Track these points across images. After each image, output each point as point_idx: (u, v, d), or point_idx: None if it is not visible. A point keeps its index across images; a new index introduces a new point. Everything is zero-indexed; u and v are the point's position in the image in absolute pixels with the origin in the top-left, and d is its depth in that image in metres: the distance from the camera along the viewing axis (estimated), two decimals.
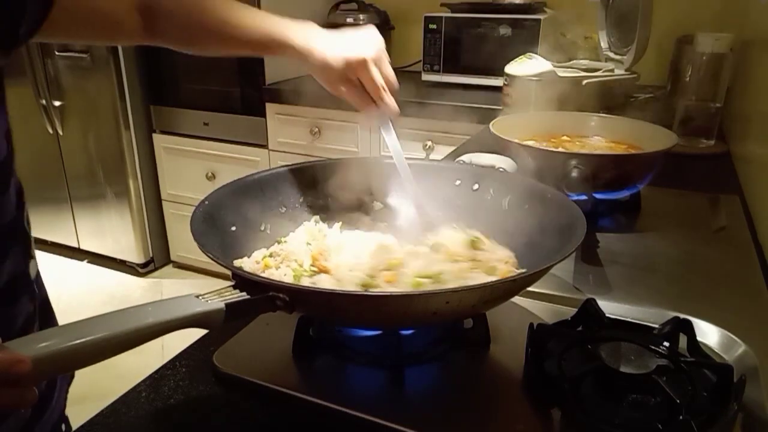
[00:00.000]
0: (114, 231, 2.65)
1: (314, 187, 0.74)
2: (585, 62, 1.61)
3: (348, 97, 0.69)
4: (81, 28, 0.67)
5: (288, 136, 2.23)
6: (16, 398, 0.34)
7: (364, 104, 0.69)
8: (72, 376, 0.69)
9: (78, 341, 0.36)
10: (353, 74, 0.67)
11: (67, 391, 0.67)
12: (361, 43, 0.67)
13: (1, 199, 0.52)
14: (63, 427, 0.65)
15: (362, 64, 0.66)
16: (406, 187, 0.70)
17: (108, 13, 0.67)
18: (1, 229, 0.52)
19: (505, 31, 1.94)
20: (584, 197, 0.89)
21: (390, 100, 0.69)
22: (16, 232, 0.55)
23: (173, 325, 0.41)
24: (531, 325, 0.56)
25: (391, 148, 0.70)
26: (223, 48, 0.72)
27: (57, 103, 2.50)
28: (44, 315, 0.61)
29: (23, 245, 0.55)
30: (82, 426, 0.51)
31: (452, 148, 1.36)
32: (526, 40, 1.89)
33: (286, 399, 0.53)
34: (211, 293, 0.45)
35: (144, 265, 2.69)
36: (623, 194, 0.98)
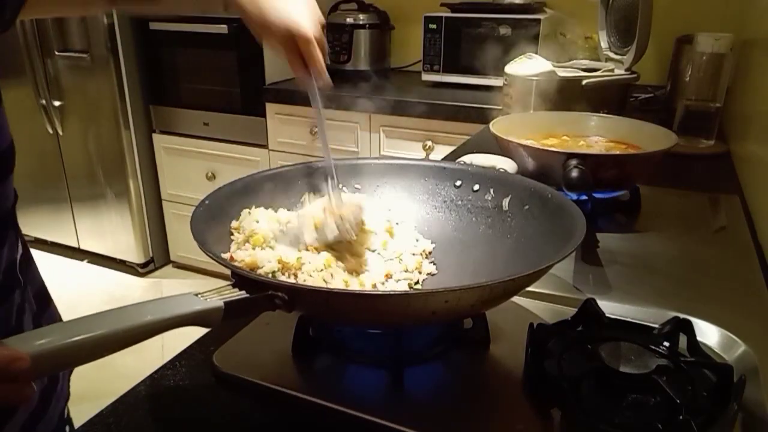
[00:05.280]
0: (114, 231, 2.65)
1: (315, 187, 0.74)
2: (585, 62, 1.61)
3: (286, 59, 0.69)
4: (54, 5, 0.74)
5: (288, 136, 2.23)
6: (14, 394, 0.34)
7: (300, 71, 0.69)
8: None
9: (77, 338, 0.36)
10: (294, 44, 0.67)
11: (69, 380, 0.67)
12: (304, 15, 0.67)
13: (3, 185, 0.52)
14: (67, 429, 0.65)
15: (306, 41, 0.66)
16: (324, 155, 0.72)
17: None
18: (2, 217, 0.52)
19: (505, 31, 1.94)
20: (584, 197, 0.90)
21: (325, 73, 0.70)
22: (14, 219, 0.55)
23: (172, 323, 0.41)
24: (531, 325, 0.56)
25: (319, 116, 0.72)
26: (172, 5, 0.76)
27: (57, 103, 2.51)
28: (41, 303, 0.61)
29: (16, 233, 0.55)
30: (82, 426, 0.51)
31: (452, 148, 1.36)
32: (526, 40, 1.89)
33: (286, 399, 0.53)
34: (211, 292, 0.45)
35: (144, 265, 2.70)
36: (623, 192, 0.98)
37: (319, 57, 0.68)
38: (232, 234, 0.65)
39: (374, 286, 0.62)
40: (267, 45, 0.69)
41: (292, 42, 0.67)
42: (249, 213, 0.66)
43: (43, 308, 0.62)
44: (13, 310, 0.53)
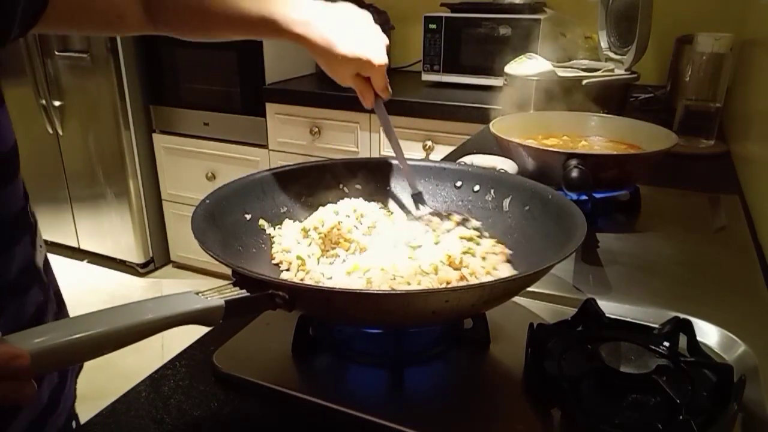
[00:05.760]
0: (114, 231, 2.65)
1: (315, 187, 0.74)
2: (585, 62, 1.61)
3: (355, 88, 0.71)
4: (79, 22, 0.67)
5: (288, 136, 2.23)
6: (14, 392, 0.34)
7: (369, 97, 0.71)
8: (80, 367, 0.69)
9: (77, 336, 0.36)
10: (364, 72, 0.68)
11: (75, 382, 0.67)
12: (372, 43, 0.67)
13: (10, 187, 0.52)
14: (73, 424, 0.65)
15: (376, 68, 0.68)
16: (401, 164, 0.74)
17: (108, 6, 0.67)
18: (11, 218, 0.52)
19: (505, 31, 1.94)
20: (584, 197, 0.90)
21: (389, 89, 0.72)
22: (25, 221, 0.55)
23: (172, 322, 0.41)
24: (531, 325, 0.56)
25: (385, 126, 0.74)
26: (226, 33, 0.72)
27: (57, 103, 2.51)
28: (59, 304, 0.62)
29: (30, 235, 0.55)
30: (82, 426, 0.51)
31: (452, 148, 1.36)
32: (526, 40, 1.89)
33: (286, 399, 0.53)
34: (211, 290, 0.45)
35: (144, 265, 2.70)
36: (623, 192, 0.98)
37: (386, 78, 0.70)
38: (273, 258, 0.66)
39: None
40: (337, 79, 0.70)
41: (360, 74, 0.68)
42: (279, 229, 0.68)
43: (60, 309, 0.62)
44: (28, 309, 0.53)
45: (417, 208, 0.73)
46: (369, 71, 0.68)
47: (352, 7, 0.69)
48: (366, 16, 0.69)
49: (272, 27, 0.67)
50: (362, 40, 0.67)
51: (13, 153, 0.52)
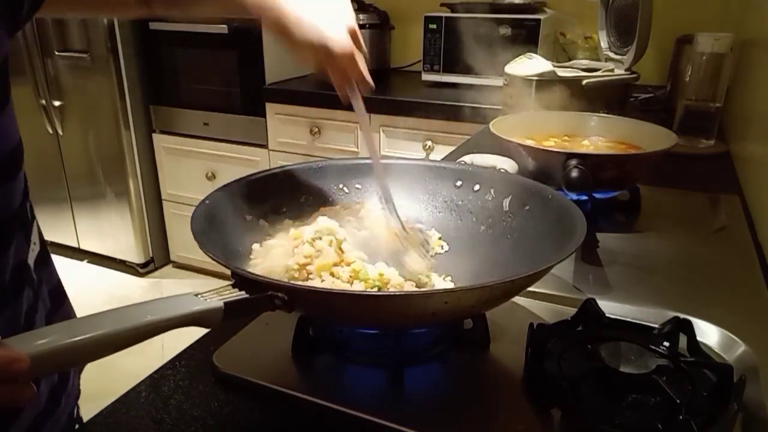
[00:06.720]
0: (114, 231, 2.65)
1: (315, 187, 0.74)
2: (585, 62, 1.61)
3: (327, 76, 0.63)
4: (78, 3, 0.71)
5: (288, 136, 2.23)
6: (13, 396, 0.34)
7: (341, 87, 0.63)
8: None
9: (76, 338, 0.36)
10: (325, 64, 0.61)
11: (79, 378, 0.67)
12: (330, 26, 0.59)
13: (11, 185, 0.51)
14: (77, 427, 0.65)
15: (335, 59, 0.60)
16: (374, 168, 0.67)
17: None
18: (10, 216, 0.51)
19: (505, 31, 1.94)
20: (584, 197, 0.90)
21: (368, 78, 0.62)
22: (23, 219, 0.55)
23: (171, 324, 0.41)
24: (531, 325, 0.56)
25: (362, 124, 0.67)
26: (205, 7, 0.74)
27: (57, 103, 2.51)
28: (56, 301, 0.61)
29: (25, 232, 0.55)
30: (82, 426, 0.51)
31: (452, 148, 1.36)
32: (526, 40, 1.89)
33: (286, 399, 0.53)
34: (210, 292, 0.45)
35: (144, 265, 2.70)
36: (623, 192, 0.98)
37: (356, 68, 0.61)
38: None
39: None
40: (301, 64, 0.63)
41: (326, 60, 0.60)
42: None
43: (57, 306, 0.62)
44: (23, 311, 0.53)
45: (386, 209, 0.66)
46: (328, 62, 0.59)
47: None
48: None
49: (235, 1, 0.61)
50: (319, 22, 0.57)
51: (17, 151, 0.52)
